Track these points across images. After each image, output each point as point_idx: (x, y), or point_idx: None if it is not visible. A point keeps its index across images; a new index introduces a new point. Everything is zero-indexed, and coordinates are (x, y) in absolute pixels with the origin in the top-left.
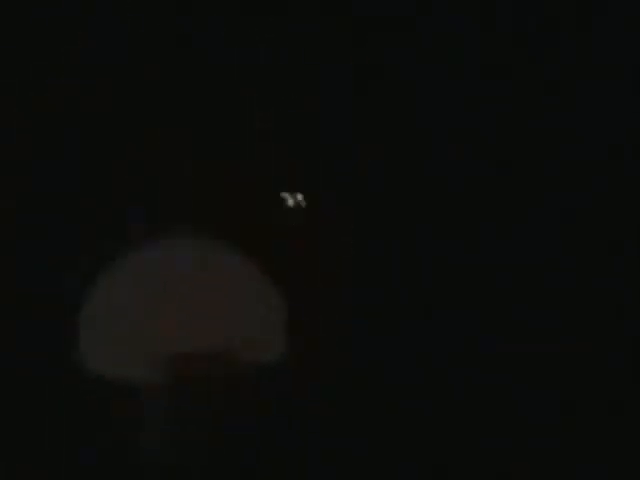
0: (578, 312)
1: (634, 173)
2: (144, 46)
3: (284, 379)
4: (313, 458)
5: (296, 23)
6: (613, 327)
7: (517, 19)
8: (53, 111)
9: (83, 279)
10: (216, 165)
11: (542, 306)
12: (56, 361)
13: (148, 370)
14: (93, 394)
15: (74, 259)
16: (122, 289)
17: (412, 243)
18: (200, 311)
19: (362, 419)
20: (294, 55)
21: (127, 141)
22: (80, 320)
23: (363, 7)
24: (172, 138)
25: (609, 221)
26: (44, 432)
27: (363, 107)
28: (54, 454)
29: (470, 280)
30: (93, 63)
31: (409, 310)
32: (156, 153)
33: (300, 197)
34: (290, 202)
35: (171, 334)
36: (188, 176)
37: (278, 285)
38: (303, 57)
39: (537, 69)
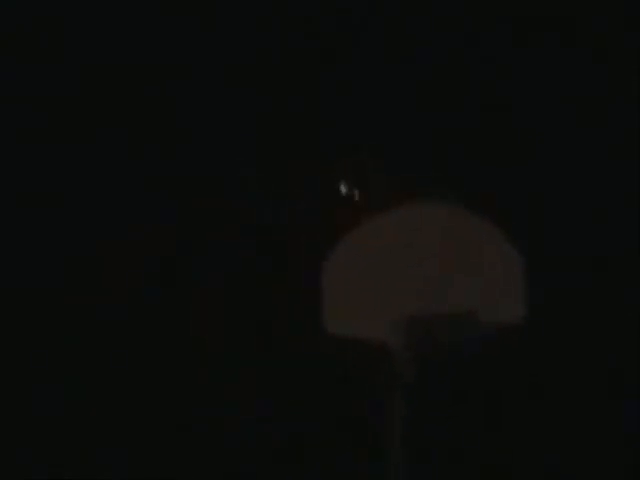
0: None
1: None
2: None
3: (524, 342)
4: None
5: None
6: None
7: None
8: None
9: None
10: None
11: None
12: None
13: (392, 332)
14: (337, 355)
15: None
16: (366, 252)
17: None
18: (443, 274)
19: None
20: None
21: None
22: (324, 281)
23: None
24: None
25: None
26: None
27: None
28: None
29: None
30: None
31: None
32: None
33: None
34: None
35: (414, 297)
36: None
37: (518, 251)
38: None
39: None
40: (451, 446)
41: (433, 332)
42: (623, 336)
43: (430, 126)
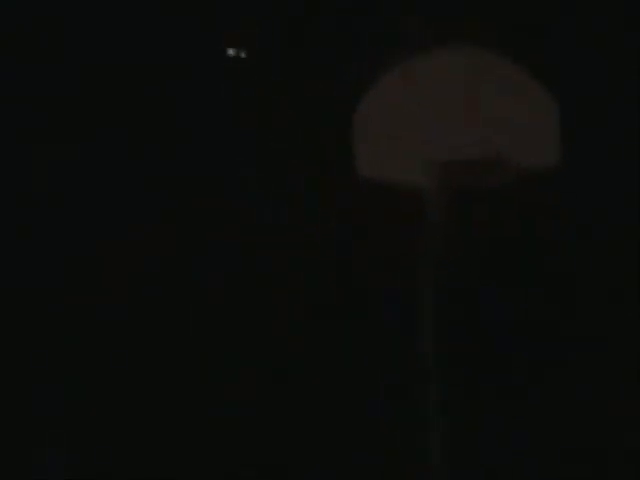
0: None
1: None
2: None
3: (557, 185)
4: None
5: None
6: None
7: None
8: None
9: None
10: None
11: None
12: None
13: (423, 176)
14: (368, 197)
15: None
16: (397, 94)
17: None
18: (473, 119)
19: None
20: None
21: None
22: (354, 124)
23: None
24: None
25: None
26: None
27: None
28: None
29: None
30: None
31: None
32: None
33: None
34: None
35: (445, 141)
36: None
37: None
38: None
39: None
40: (482, 293)
41: (465, 176)
42: None
43: None
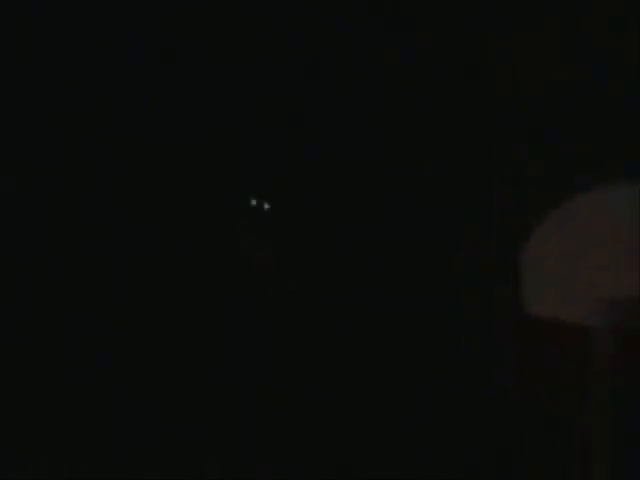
0: None
1: None
2: None
3: None
4: None
5: None
6: None
7: None
8: None
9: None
10: None
11: None
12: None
13: (589, 314)
14: (532, 335)
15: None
16: (565, 233)
17: None
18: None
19: None
20: None
21: None
22: (523, 262)
23: None
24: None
25: None
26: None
27: None
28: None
29: None
30: None
31: None
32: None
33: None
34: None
35: (611, 280)
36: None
37: None
38: None
39: None
40: None
41: (633, 315)
42: None
43: None
